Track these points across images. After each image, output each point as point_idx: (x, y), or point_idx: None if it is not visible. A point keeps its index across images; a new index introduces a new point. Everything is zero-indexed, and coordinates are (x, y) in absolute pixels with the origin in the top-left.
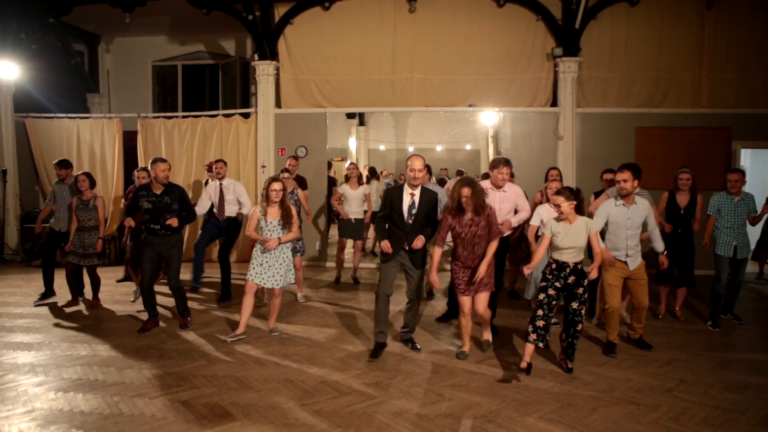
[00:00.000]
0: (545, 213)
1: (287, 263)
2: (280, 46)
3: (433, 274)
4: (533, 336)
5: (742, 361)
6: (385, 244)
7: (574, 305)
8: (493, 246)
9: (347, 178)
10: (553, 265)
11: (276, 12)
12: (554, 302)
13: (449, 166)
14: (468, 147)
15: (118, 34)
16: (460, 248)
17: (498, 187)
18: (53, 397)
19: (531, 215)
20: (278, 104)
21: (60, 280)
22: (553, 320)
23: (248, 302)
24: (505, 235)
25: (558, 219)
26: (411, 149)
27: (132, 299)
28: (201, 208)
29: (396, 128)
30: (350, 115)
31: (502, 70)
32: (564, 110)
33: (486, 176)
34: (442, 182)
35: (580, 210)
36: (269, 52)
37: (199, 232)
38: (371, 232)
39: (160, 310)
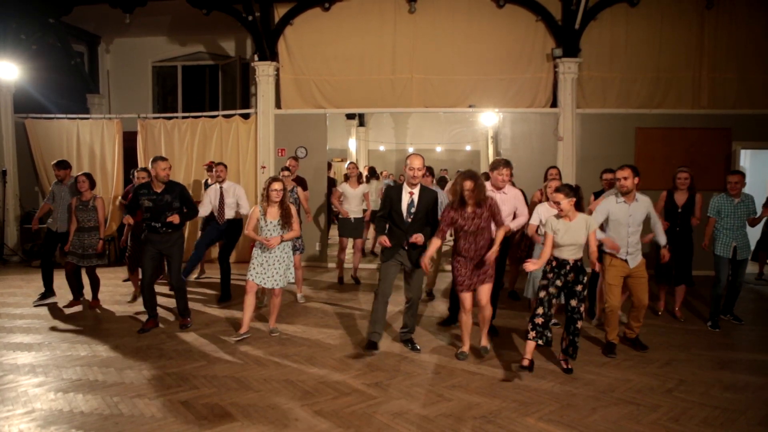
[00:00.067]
0: (544, 212)
1: (287, 262)
2: (280, 47)
3: (425, 258)
4: (532, 333)
5: (742, 361)
6: (383, 238)
7: (573, 303)
8: (501, 234)
9: (347, 177)
10: (553, 263)
11: (276, 12)
12: (554, 300)
13: (449, 166)
14: (468, 148)
15: (118, 34)
16: (462, 241)
17: (498, 188)
18: (53, 398)
19: (529, 219)
20: (278, 105)
21: (60, 281)
22: (553, 320)
23: (250, 302)
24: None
25: (558, 216)
26: (411, 150)
27: (129, 299)
28: (202, 212)
29: (396, 129)
30: (350, 116)
31: (502, 70)
32: (564, 111)
33: (486, 177)
34: (442, 182)
35: (579, 207)
36: (269, 53)
37: (199, 232)
38: (371, 232)
39: (159, 310)
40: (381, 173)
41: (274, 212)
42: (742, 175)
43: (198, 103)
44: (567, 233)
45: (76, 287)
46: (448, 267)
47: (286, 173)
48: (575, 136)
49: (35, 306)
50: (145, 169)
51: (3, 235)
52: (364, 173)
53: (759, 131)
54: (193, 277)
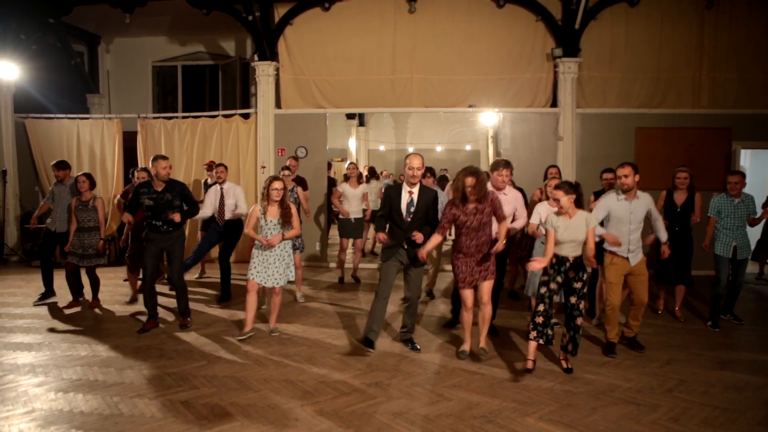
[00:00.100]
0: (544, 211)
1: (287, 260)
2: (280, 47)
3: (424, 250)
4: (534, 333)
5: (742, 361)
6: (381, 235)
7: (573, 299)
8: (504, 227)
9: (347, 178)
10: (553, 260)
11: (276, 12)
12: (555, 295)
13: (449, 166)
14: (468, 147)
15: (118, 34)
16: (463, 238)
17: (498, 189)
18: (53, 398)
19: (529, 219)
20: (278, 105)
21: (60, 280)
22: (554, 320)
23: (252, 300)
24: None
25: (558, 213)
26: (411, 149)
27: (127, 300)
28: (204, 213)
29: (396, 129)
30: (350, 116)
31: (502, 70)
32: (564, 111)
33: (486, 177)
34: (443, 181)
35: (579, 204)
36: (269, 53)
37: (199, 233)
38: (371, 232)
39: (159, 310)
40: (381, 173)
41: (274, 211)
42: (743, 175)
43: (198, 103)
44: (567, 230)
45: (75, 288)
46: (448, 267)
47: (287, 173)
48: (575, 136)
49: (35, 306)
50: (145, 169)
51: (3, 235)
52: (364, 173)
53: (759, 131)
54: (193, 277)
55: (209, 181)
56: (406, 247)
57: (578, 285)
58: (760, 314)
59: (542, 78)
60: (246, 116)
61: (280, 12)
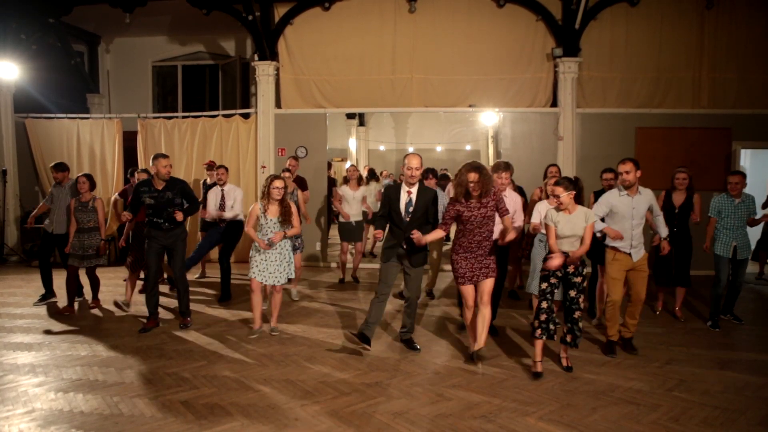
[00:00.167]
0: (544, 210)
1: (288, 258)
2: (280, 47)
3: (423, 237)
4: (539, 331)
5: (742, 361)
6: (378, 232)
7: (572, 293)
8: (508, 221)
9: (346, 180)
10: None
11: (276, 12)
12: (556, 290)
13: (449, 166)
14: (468, 147)
15: (118, 34)
16: (465, 233)
17: (498, 191)
18: (53, 398)
19: (529, 219)
20: (278, 104)
21: (59, 281)
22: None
23: (257, 299)
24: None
25: (558, 209)
26: (411, 149)
27: (124, 300)
28: (210, 215)
29: (396, 128)
30: (350, 116)
31: (502, 70)
32: (564, 110)
33: None
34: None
35: (579, 199)
36: (269, 53)
37: (199, 233)
38: (371, 233)
39: (159, 310)
40: (381, 173)
41: (274, 210)
42: (743, 175)
43: (198, 102)
44: (567, 225)
45: (74, 292)
46: (448, 267)
47: (287, 174)
48: (575, 136)
49: (35, 306)
50: (145, 170)
51: (3, 235)
52: (364, 174)
53: (759, 131)
54: (194, 277)
55: (208, 181)
56: (405, 247)
57: (578, 279)
58: (760, 314)
59: (542, 78)
60: (246, 116)
61: (280, 12)
